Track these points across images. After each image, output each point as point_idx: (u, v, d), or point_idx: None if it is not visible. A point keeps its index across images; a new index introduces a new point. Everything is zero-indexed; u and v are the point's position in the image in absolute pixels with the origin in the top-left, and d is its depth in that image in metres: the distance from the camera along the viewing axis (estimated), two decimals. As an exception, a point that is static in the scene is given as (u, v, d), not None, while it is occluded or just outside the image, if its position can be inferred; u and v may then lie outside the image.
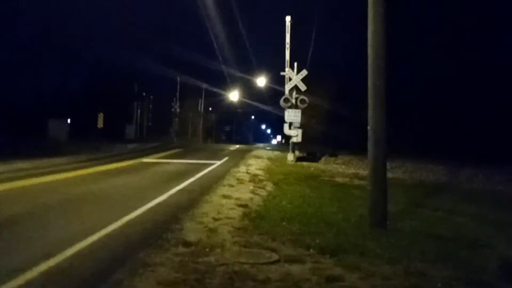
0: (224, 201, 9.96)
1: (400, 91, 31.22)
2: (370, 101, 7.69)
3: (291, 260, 5.63)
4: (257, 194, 11.42)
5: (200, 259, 5.53)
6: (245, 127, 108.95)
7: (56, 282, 4.77)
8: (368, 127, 7.71)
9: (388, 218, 7.70)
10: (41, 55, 44.86)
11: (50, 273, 5.03)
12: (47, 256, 5.54)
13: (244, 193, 11.41)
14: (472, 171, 19.64)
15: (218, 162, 22.14)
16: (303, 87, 24.74)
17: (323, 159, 27.89)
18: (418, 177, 19.16)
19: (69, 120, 43.11)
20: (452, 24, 36.04)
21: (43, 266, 5.19)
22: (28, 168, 16.84)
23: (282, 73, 25.81)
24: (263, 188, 12.68)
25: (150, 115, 65.03)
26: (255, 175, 15.86)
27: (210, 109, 77.36)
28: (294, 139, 25.17)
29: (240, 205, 9.42)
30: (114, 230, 7.07)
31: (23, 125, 35.81)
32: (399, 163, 22.18)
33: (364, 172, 17.94)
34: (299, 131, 24.91)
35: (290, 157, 25.01)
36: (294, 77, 24.87)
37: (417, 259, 5.81)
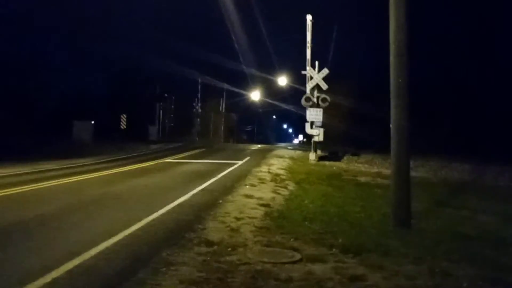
0: (246, 200, 9.98)
1: (423, 89, 30.91)
2: (392, 99, 7.62)
3: (314, 259, 5.61)
4: (279, 193, 11.40)
5: (223, 259, 5.56)
6: (266, 127, 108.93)
7: (81, 281, 4.85)
8: (391, 125, 7.64)
9: (412, 217, 7.62)
10: (65, 58, 45.67)
11: (75, 272, 5.12)
12: (73, 255, 5.63)
13: (266, 192, 11.41)
14: (497, 169, 19.27)
15: (240, 162, 22.16)
16: (324, 86, 24.58)
17: (345, 158, 27.71)
18: (442, 175, 18.89)
19: (93, 122, 43.74)
20: (475, 19, 35.48)
21: (69, 265, 5.28)
22: (53, 169, 17.16)
23: (303, 72, 25.68)
24: (285, 187, 12.66)
25: (172, 116, 65.49)
26: (277, 175, 15.84)
27: (232, 109, 77.57)
28: (316, 138, 25.04)
29: (262, 205, 9.42)
30: (137, 230, 7.15)
31: (48, 127, 36.47)
32: (422, 162, 21.89)
33: (387, 171, 17.75)
34: (321, 130, 24.78)
35: (312, 156, 24.89)
36: (315, 76, 24.72)
37: (442, 259, 5.73)
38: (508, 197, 12.61)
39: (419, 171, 19.55)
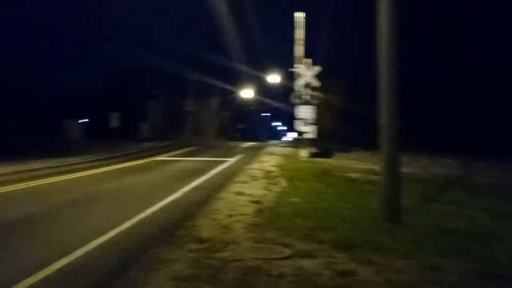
0: (237, 197, 9.99)
1: (414, 85, 31.09)
2: (381, 95, 7.66)
3: (304, 255, 5.64)
4: (270, 190, 11.42)
5: (214, 255, 5.57)
6: (258, 125, 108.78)
7: (72, 279, 4.86)
8: (380, 122, 7.68)
9: (402, 212, 7.67)
10: (55, 56, 45.37)
11: (66, 270, 5.12)
12: (64, 254, 5.64)
13: (257, 189, 11.43)
14: (486, 165, 19.44)
15: (232, 160, 22.19)
16: (316, 83, 24.63)
17: (336, 155, 27.80)
18: (432, 171, 18.99)
19: (85, 120, 43.52)
20: (465, 16, 35.71)
21: (60, 263, 5.29)
22: (43, 167, 17.08)
23: (290, 70, 25.83)
24: (276, 184, 12.68)
25: (164, 113, 65.27)
26: (268, 172, 15.86)
27: (223, 106, 77.39)
28: (307, 136, 25.12)
29: (253, 202, 9.43)
30: (128, 228, 7.16)
31: (38, 126, 36.23)
32: (412, 158, 21.97)
33: (378, 167, 17.80)
34: (313, 128, 24.85)
35: (304, 153, 24.96)
36: (307, 73, 24.77)
37: (431, 253, 5.78)
38: (496, 193, 12.70)
39: (409, 166, 19.61)
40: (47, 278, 4.85)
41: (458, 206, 9.66)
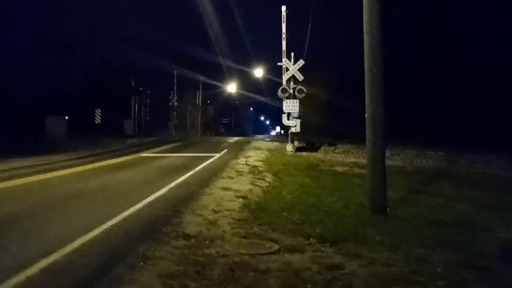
0: (223, 193, 9.95)
1: (400, 79, 31.33)
2: (367, 89, 7.68)
3: (291, 249, 5.64)
4: (257, 185, 11.41)
5: (201, 251, 5.54)
6: (244, 119, 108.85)
7: (56, 278, 4.77)
8: (366, 115, 7.70)
9: (388, 205, 7.72)
10: (37, 52, 44.74)
11: (50, 269, 5.02)
12: (48, 252, 5.53)
13: (243, 184, 11.40)
14: (471, 157, 19.66)
15: (217, 155, 22.10)
16: (300, 77, 24.69)
17: (322, 148, 27.89)
18: (418, 164, 19.17)
19: (67, 117, 42.99)
20: (450, 12, 36.11)
21: (44, 263, 5.18)
22: (26, 166, 16.82)
23: (279, 64, 25.77)
24: (263, 179, 12.68)
25: (148, 109, 64.88)
26: (255, 167, 15.84)
27: (208, 101, 77.22)
28: (292, 130, 25.15)
29: (239, 197, 9.42)
30: (113, 225, 7.06)
31: (20, 123, 35.72)
32: (398, 151, 22.19)
33: (363, 160, 17.88)
34: (298, 121, 24.89)
35: (289, 147, 24.99)
36: (291, 67, 24.80)
37: (417, 245, 5.83)
38: (481, 184, 12.87)
39: (395, 160, 19.83)
40: (29, 278, 4.75)
41: (443, 198, 9.76)
